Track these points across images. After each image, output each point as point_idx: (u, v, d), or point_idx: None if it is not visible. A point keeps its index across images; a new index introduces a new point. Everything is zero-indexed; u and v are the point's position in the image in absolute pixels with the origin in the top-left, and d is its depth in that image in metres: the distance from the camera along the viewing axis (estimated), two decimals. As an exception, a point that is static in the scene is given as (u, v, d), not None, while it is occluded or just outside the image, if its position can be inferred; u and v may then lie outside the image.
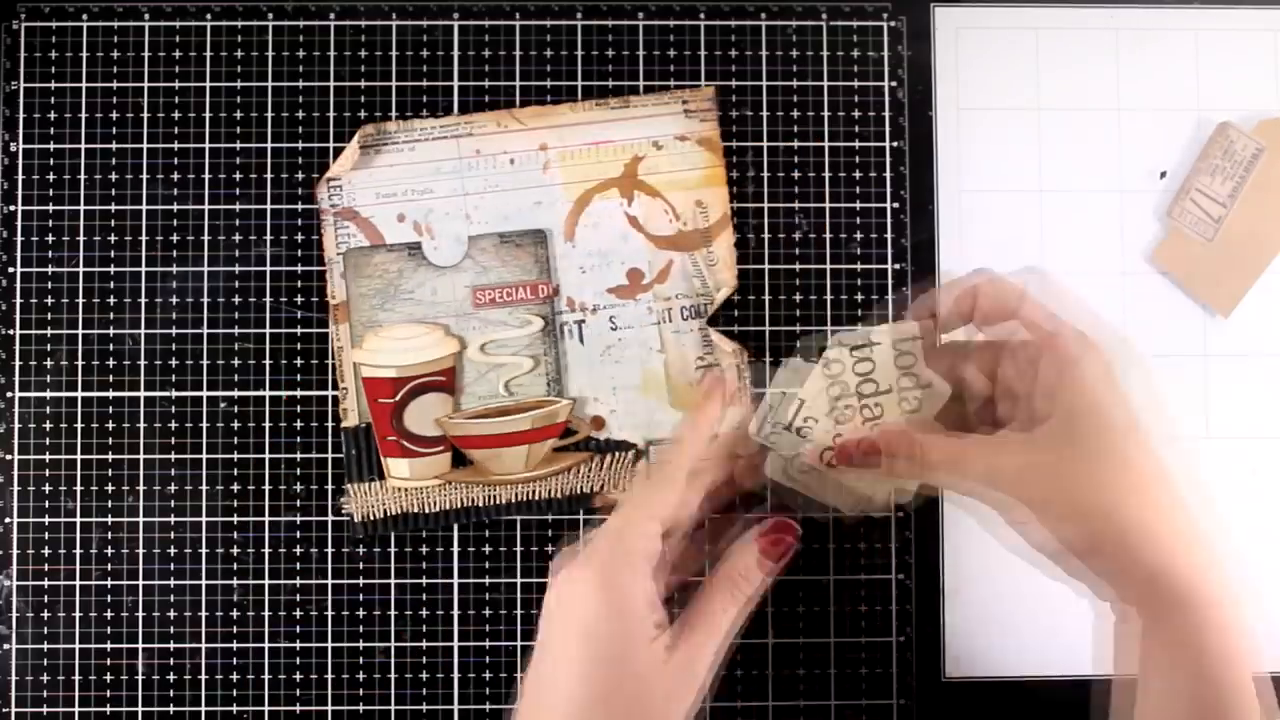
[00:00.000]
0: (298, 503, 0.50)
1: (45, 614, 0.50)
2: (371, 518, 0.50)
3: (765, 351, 0.50)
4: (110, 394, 0.50)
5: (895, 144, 0.51)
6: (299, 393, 0.50)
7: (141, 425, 0.50)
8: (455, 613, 0.50)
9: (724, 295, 0.50)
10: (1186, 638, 0.37)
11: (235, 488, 0.50)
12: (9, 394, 0.50)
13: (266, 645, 0.50)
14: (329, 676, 0.50)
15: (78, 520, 0.50)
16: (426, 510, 0.50)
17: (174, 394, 0.50)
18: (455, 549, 0.50)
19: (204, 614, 0.50)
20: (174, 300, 0.50)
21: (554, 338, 0.50)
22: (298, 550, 0.50)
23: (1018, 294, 0.41)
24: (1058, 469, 0.38)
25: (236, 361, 0.50)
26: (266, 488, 0.50)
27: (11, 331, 0.50)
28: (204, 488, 0.50)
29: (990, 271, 0.43)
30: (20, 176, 0.50)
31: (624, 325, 0.50)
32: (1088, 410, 0.38)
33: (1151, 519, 0.37)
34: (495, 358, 0.50)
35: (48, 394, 0.50)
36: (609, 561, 0.38)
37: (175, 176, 0.51)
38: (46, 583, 0.50)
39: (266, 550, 0.50)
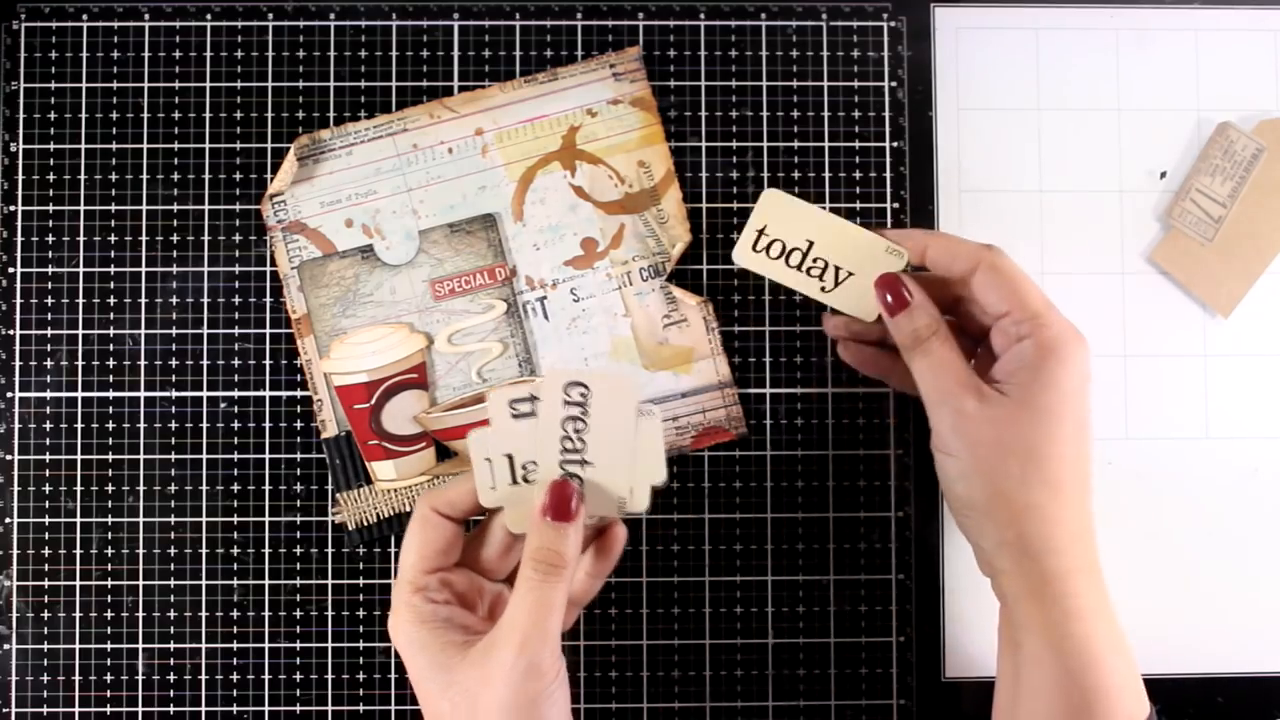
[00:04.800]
0: (298, 503, 0.50)
1: (45, 614, 0.50)
2: (365, 523, 0.50)
3: (765, 352, 0.50)
4: (110, 394, 0.50)
5: (895, 144, 0.51)
6: (299, 393, 0.50)
7: (141, 425, 0.50)
8: (455, 613, 0.50)
9: (680, 250, 0.50)
10: (1046, 616, 0.40)
11: (235, 488, 0.50)
12: (9, 394, 0.50)
13: (266, 645, 0.50)
14: (329, 676, 0.50)
15: (78, 520, 0.50)
16: (423, 509, 0.50)
17: (174, 394, 0.50)
18: (455, 549, 0.50)
19: (204, 614, 0.50)
20: (174, 300, 0.50)
21: (518, 318, 0.50)
22: (298, 550, 0.50)
23: (969, 262, 0.42)
24: (995, 437, 0.41)
25: (236, 361, 0.50)
26: (266, 488, 0.50)
27: (11, 331, 0.50)
28: (204, 488, 0.50)
29: (948, 236, 0.44)
30: (20, 176, 0.50)
31: (586, 295, 0.50)
32: (1046, 409, 0.40)
33: (1051, 519, 0.40)
34: (463, 347, 0.50)
35: (48, 394, 0.50)
36: (392, 611, 0.40)
37: (175, 176, 0.51)
38: (46, 583, 0.50)
39: (266, 550, 0.50)
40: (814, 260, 0.46)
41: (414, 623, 0.39)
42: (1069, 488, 0.40)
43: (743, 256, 0.47)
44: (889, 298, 0.43)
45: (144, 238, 0.50)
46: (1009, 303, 0.41)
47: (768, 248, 0.46)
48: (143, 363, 0.50)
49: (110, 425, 0.50)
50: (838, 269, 0.46)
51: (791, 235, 0.46)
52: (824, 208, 0.46)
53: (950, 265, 0.43)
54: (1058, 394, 0.40)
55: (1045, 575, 0.40)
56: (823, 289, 0.46)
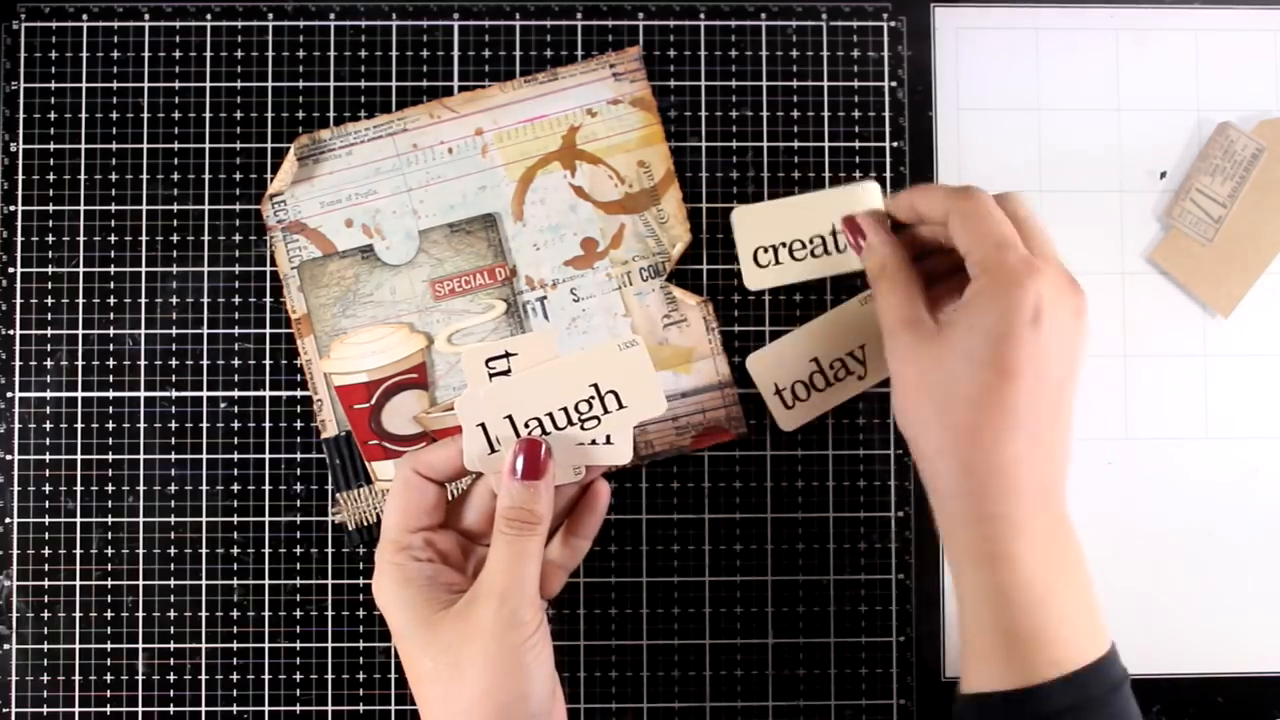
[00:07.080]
0: (298, 503, 0.50)
1: (45, 614, 0.50)
2: (365, 523, 0.50)
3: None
4: (110, 394, 0.50)
5: (895, 144, 0.51)
6: (299, 393, 0.50)
7: (141, 425, 0.50)
8: (455, 613, 0.50)
9: (680, 250, 0.50)
10: (976, 556, 0.39)
11: (235, 488, 0.50)
12: (9, 394, 0.50)
13: (266, 645, 0.50)
14: (329, 676, 0.50)
15: (78, 520, 0.50)
16: (425, 510, 0.50)
17: (174, 394, 0.50)
18: (455, 549, 0.50)
19: (204, 614, 0.50)
20: (174, 300, 0.50)
21: (518, 318, 0.50)
22: (298, 550, 0.50)
23: (942, 207, 0.42)
24: (916, 375, 0.40)
25: (236, 361, 0.50)
26: (266, 488, 0.50)
27: (11, 331, 0.50)
28: (204, 488, 0.50)
29: (927, 186, 0.44)
30: (20, 176, 0.50)
31: (586, 295, 0.50)
32: (968, 350, 0.39)
33: (1004, 462, 0.38)
34: (463, 347, 0.50)
35: (48, 394, 0.50)
36: (376, 573, 0.40)
37: (175, 176, 0.51)
38: (46, 583, 0.50)
39: (266, 550, 0.50)
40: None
41: (399, 582, 0.39)
42: (982, 433, 0.38)
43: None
44: (850, 237, 0.46)
45: (144, 238, 0.50)
46: (971, 241, 0.40)
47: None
48: (143, 363, 0.50)
49: (110, 425, 0.50)
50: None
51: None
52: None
53: (932, 214, 0.43)
54: (982, 334, 0.38)
55: (968, 517, 0.39)
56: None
